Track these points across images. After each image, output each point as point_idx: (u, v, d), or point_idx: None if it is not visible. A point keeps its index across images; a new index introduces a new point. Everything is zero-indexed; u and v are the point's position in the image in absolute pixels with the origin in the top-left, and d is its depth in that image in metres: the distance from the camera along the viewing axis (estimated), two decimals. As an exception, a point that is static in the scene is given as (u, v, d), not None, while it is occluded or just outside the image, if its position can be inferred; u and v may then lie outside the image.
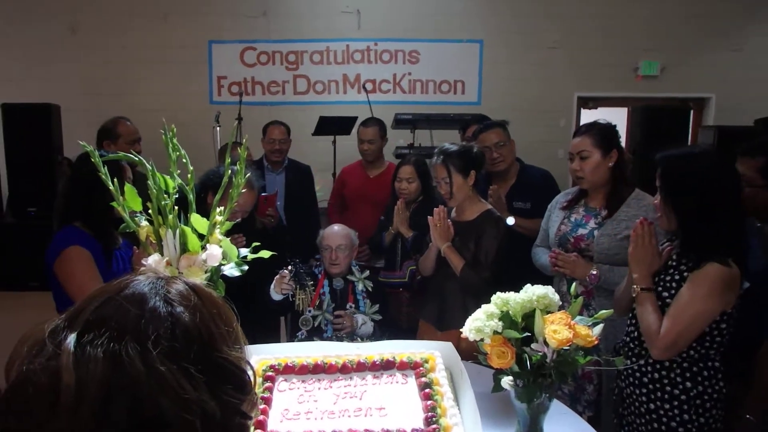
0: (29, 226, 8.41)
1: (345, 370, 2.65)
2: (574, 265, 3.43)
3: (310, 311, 4.02)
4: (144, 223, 2.23)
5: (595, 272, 3.34)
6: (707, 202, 2.58)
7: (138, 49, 9.74)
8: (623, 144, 3.54)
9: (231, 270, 2.29)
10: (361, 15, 9.85)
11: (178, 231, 2.15)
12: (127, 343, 0.91)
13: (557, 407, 2.64)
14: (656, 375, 2.73)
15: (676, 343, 2.58)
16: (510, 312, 2.36)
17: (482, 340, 2.36)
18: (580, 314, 2.44)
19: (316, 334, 3.99)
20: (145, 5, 9.72)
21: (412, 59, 10.08)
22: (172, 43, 9.78)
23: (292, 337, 4.14)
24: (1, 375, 0.97)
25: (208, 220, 2.22)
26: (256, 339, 2.66)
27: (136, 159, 2.24)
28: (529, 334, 2.31)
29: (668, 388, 2.70)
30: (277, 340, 4.59)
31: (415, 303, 4.48)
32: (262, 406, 2.39)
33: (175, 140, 2.20)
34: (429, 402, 2.38)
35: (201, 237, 2.20)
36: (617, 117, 8.32)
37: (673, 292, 2.66)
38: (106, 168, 2.16)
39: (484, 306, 2.43)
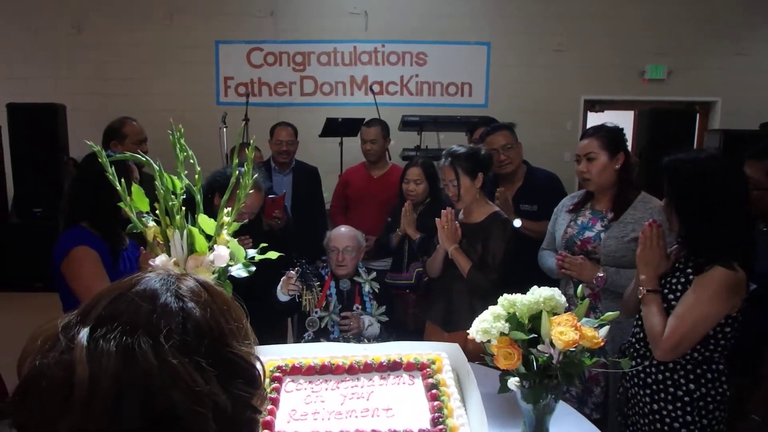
0: (35, 226, 8.40)
1: (352, 371, 2.65)
2: (581, 267, 3.42)
3: (316, 312, 4.02)
4: (151, 223, 2.23)
5: (601, 275, 3.34)
6: (711, 205, 2.59)
7: (144, 49, 9.78)
8: (629, 147, 3.54)
9: (238, 271, 2.30)
10: (368, 16, 9.87)
11: (185, 232, 2.15)
12: (140, 337, 0.92)
13: (563, 408, 2.65)
14: (660, 376, 2.74)
15: (680, 345, 2.59)
16: (517, 313, 2.37)
17: (489, 341, 2.37)
18: (587, 316, 2.44)
19: (322, 335, 3.98)
20: (151, 5, 9.76)
21: (419, 61, 10.10)
22: (178, 43, 9.81)
23: (298, 339, 4.14)
24: (13, 373, 0.98)
25: (215, 221, 2.22)
26: (263, 340, 2.67)
27: (143, 159, 2.24)
28: (536, 335, 2.32)
29: (672, 390, 2.71)
30: (284, 342, 4.59)
31: (421, 304, 4.47)
32: (269, 407, 2.39)
33: (182, 140, 2.20)
34: (436, 403, 2.39)
35: (208, 238, 2.20)
36: (624, 120, 8.34)
37: (678, 294, 2.66)
38: (113, 168, 2.17)
39: (490, 307, 2.43)
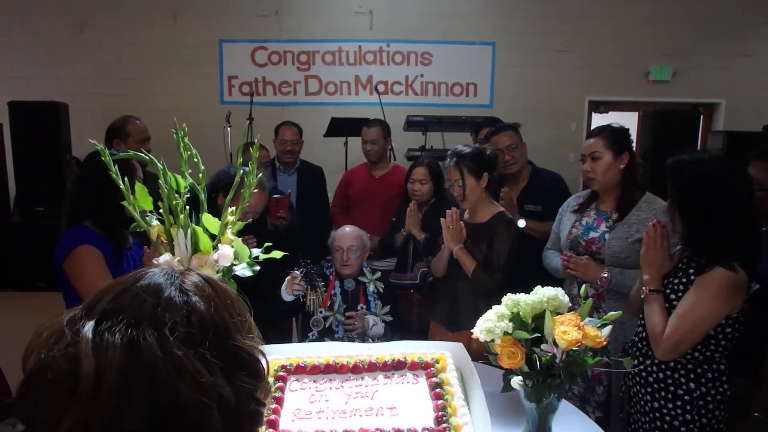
0: (37, 225, 8.39)
1: (356, 370, 2.66)
2: (586, 268, 3.43)
3: (321, 312, 4.03)
4: (155, 222, 2.23)
5: (606, 275, 3.35)
6: (714, 206, 2.60)
7: (147, 48, 9.78)
8: (634, 148, 3.54)
9: (243, 270, 2.29)
10: (373, 16, 9.87)
11: (189, 231, 2.15)
12: (145, 330, 0.93)
13: (565, 407, 2.66)
14: (661, 375, 2.76)
15: (680, 345, 2.60)
16: (520, 313, 2.38)
17: (493, 340, 2.37)
18: (591, 316, 2.45)
19: (327, 334, 3.99)
20: (155, 4, 9.76)
21: (424, 61, 10.11)
22: (182, 41, 9.81)
23: (303, 338, 4.14)
24: (15, 373, 0.98)
25: (218, 220, 2.22)
26: (268, 339, 2.67)
27: (147, 158, 2.24)
28: (539, 335, 2.32)
29: (672, 389, 2.73)
30: (289, 341, 4.59)
31: (426, 304, 4.48)
32: (273, 406, 2.40)
33: (186, 139, 2.20)
34: (439, 401, 2.39)
35: (212, 237, 2.20)
36: (628, 121, 8.32)
37: (680, 294, 2.67)
38: (116, 167, 2.17)
39: (494, 307, 2.44)
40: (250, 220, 2.40)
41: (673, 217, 2.76)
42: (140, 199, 2.16)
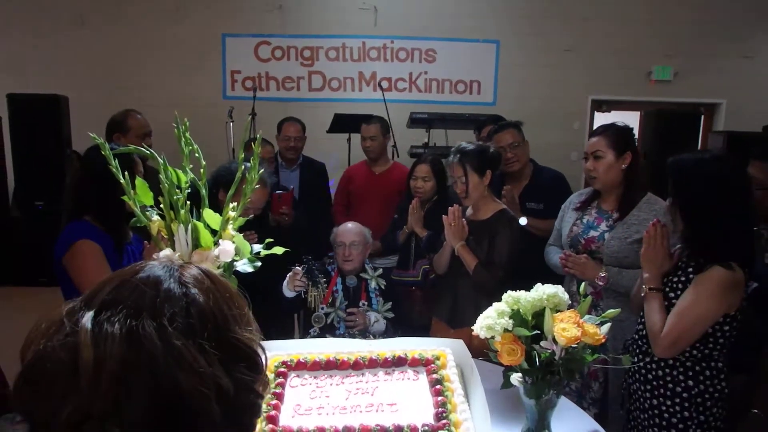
0: (37, 220, 8.29)
1: (357, 366, 2.66)
2: (584, 267, 3.44)
3: (322, 308, 4.03)
4: (155, 217, 2.23)
5: (604, 275, 3.35)
6: (715, 206, 2.61)
7: (149, 42, 9.71)
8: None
9: (244, 266, 2.30)
10: (377, 12, 9.84)
11: (190, 226, 2.15)
12: (144, 320, 0.93)
13: (564, 403, 2.67)
14: (660, 372, 2.78)
15: (677, 343, 2.62)
16: (520, 310, 2.39)
17: (493, 337, 2.38)
18: (589, 314, 2.46)
19: (328, 331, 3.99)
20: (157, -5, 9.70)
21: (428, 58, 10.08)
22: (184, 35, 9.74)
23: (304, 335, 4.14)
24: (14, 370, 0.98)
25: (219, 216, 2.22)
26: (269, 336, 2.67)
27: (148, 152, 2.24)
28: (539, 332, 2.34)
29: (671, 386, 2.75)
30: (290, 338, 4.60)
31: (427, 301, 4.48)
32: (274, 402, 2.40)
33: (187, 134, 2.20)
34: (439, 398, 2.39)
35: (213, 233, 2.21)
36: (630, 121, 8.30)
37: (679, 293, 2.69)
38: (116, 161, 2.16)
39: (495, 304, 2.45)
40: (251, 216, 2.40)
41: (674, 217, 2.76)
42: (141, 194, 2.16)
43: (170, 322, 0.95)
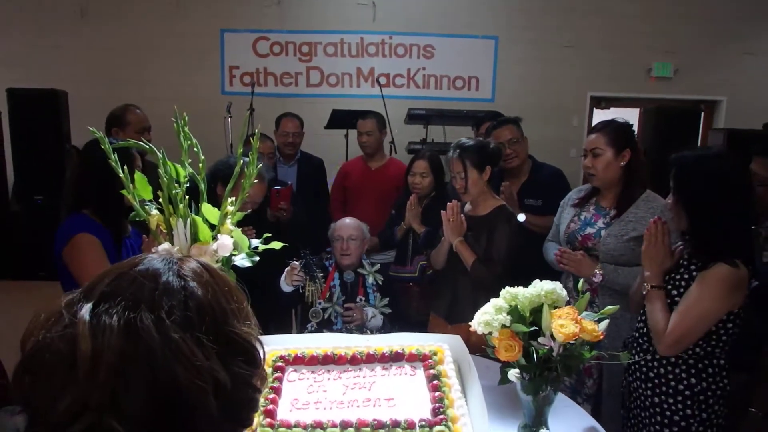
0: (36, 214, 8.33)
1: (354, 361, 2.67)
2: (580, 263, 3.43)
3: (320, 303, 4.04)
4: (154, 211, 2.23)
5: (599, 272, 3.35)
6: (717, 203, 2.60)
7: (148, 36, 9.71)
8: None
9: (242, 261, 2.30)
10: (376, 7, 9.84)
11: (188, 220, 2.15)
12: (142, 313, 0.94)
13: (561, 400, 2.68)
14: (662, 370, 2.77)
15: (681, 341, 2.62)
16: (518, 306, 2.39)
17: (490, 333, 2.39)
18: (585, 311, 2.45)
19: (325, 326, 4.00)
20: (157, -9, 9.67)
21: (426, 54, 10.08)
22: (183, 30, 9.73)
23: (302, 329, 4.15)
24: (13, 364, 0.98)
25: (218, 210, 2.22)
26: (267, 330, 2.67)
27: (146, 147, 2.24)
28: (537, 328, 2.34)
29: (672, 384, 2.74)
30: (287, 332, 4.59)
31: (425, 298, 4.49)
32: (271, 396, 2.41)
33: (186, 129, 2.19)
34: (437, 393, 2.40)
35: (212, 227, 2.20)
36: (630, 117, 8.31)
37: (682, 291, 2.68)
38: (116, 155, 2.16)
39: (492, 300, 2.45)
40: (249, 210, 2.39)
41: (676, 214, 2.75)
42: (140, 189, 2.16)
43: (168, 314, 0.95)
